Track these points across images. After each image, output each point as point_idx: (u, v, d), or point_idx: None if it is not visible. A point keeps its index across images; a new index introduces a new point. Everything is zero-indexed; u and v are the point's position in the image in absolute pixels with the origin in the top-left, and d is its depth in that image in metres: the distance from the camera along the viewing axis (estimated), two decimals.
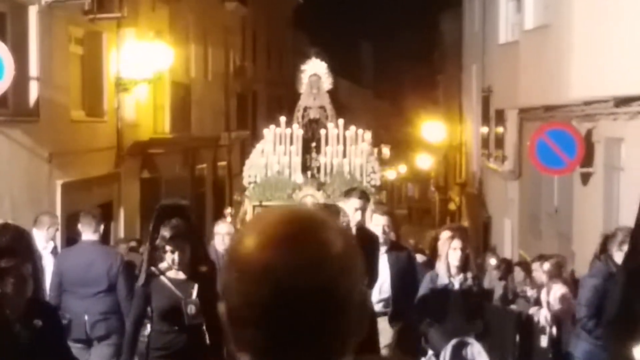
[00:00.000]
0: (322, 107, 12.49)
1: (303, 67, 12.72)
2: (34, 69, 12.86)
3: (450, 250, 6.96)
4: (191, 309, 6.16)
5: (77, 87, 15.32)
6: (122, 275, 8.10)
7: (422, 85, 49.11)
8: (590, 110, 12.05)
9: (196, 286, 6.16)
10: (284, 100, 29.14)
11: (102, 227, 8.38)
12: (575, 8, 11.10)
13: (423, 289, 7.12)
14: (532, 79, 13.66)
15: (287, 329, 1.32)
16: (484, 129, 22.73)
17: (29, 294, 4.74)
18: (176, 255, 6.12)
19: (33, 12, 12.89)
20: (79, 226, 8.33)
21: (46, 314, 4.95)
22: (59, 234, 9.95)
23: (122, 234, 16.25)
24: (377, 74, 63.27)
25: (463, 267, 6.96)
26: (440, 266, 7.08)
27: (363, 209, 7.24)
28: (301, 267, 1.32)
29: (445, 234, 7.66)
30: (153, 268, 6.30)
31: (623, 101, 10.63)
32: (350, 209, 6.98)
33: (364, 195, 7.50)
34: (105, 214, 13.53)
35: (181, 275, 6.24)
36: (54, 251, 8.91)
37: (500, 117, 20.02)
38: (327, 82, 12.54)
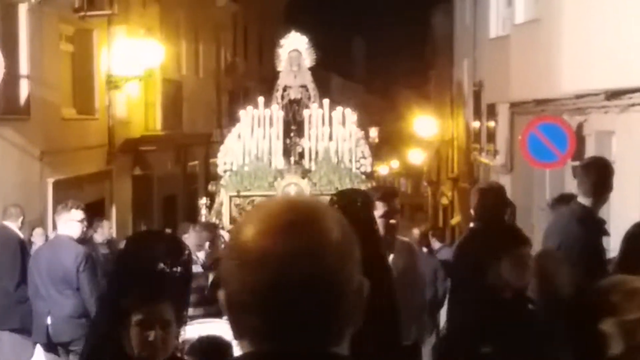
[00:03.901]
0: (304, 87, 11.25)
1: (282, 41, 11.41)
2: (24, 67, 12.82)
3: None
4: None
5: (68, 84, 15.28)
6: (84, 272, 7.10)
7: (414, 80, 49.08)
8: (581, 104, 12.06)
9: None
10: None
11: (79, 217, 7.26)
12: (565, 1, 11.09)
13: None
14: (523, 73, 13.66)
15: (285, 316, 1.34)
16: (476, 123, 22.74)
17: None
18: None
19: (23, 10, 12.85)
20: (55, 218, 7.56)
21: None
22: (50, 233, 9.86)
23: (114, 232, 16.17)
24: (368, 69, 63.27)
25: None
26: None
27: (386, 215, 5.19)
28: (299, 254, 1.34)
29: None
30: None
31: (614, 94, 10.63)
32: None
33: (388, 195, 5.48)
34: (97, 212, 13.49)
35: None
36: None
37: (491, 112, 20.00)
38: (308, 59, 11.28)
